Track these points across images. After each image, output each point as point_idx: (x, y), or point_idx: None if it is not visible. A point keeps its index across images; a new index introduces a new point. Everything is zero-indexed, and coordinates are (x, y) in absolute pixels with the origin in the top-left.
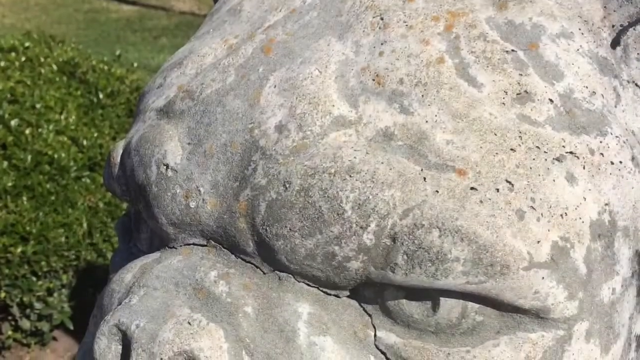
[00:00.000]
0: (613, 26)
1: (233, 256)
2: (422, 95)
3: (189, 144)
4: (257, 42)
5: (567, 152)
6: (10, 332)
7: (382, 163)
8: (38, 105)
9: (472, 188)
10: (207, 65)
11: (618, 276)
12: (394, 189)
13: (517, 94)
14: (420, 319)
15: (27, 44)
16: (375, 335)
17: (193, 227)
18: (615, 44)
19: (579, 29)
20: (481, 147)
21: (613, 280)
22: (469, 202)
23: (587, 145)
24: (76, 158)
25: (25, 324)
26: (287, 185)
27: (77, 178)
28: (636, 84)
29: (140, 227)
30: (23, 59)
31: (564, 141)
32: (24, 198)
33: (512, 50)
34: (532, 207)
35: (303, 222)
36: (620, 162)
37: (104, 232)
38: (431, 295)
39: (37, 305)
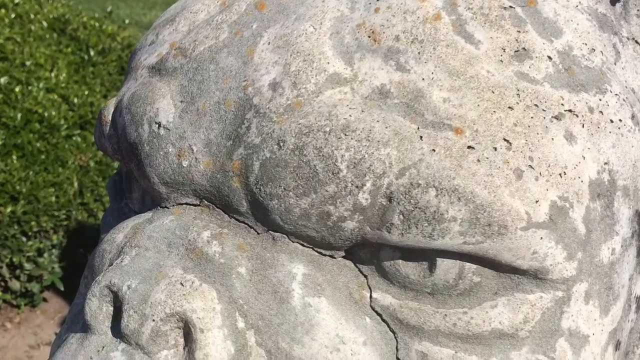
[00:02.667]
0: None
1: (226, 216)
2: (419, 53)
3: (181, 102)
4: None
5: (565, 110)
6: None
7: (377, 121)
8: (28, 63)
9: (469, 147)
10: (199, 22)
11: (618, 236)
12: (390, 147)
13: (515, 51)
14: (416, 279)
15: (17, 0)
16: (370, 296)
17: (186, 187)
18: (614, 0)
19: None
20: (478, 105)
21: (612, 240)
22: (466, 161)
23: (586, 103)
24: (67, 116)
25: (15, 284)
26: (281, 144)
27: (67, 137)
28: (636, 41)
29: (132, 186)
30: (13, 15)
31: (563, 99)
32: (14, 157)
33: (510, 7)
34: (530, 166)
35: (297, 182)
36: (620, 120)
37: (95, 192)
38: (428, 256)
39: (27, 265)
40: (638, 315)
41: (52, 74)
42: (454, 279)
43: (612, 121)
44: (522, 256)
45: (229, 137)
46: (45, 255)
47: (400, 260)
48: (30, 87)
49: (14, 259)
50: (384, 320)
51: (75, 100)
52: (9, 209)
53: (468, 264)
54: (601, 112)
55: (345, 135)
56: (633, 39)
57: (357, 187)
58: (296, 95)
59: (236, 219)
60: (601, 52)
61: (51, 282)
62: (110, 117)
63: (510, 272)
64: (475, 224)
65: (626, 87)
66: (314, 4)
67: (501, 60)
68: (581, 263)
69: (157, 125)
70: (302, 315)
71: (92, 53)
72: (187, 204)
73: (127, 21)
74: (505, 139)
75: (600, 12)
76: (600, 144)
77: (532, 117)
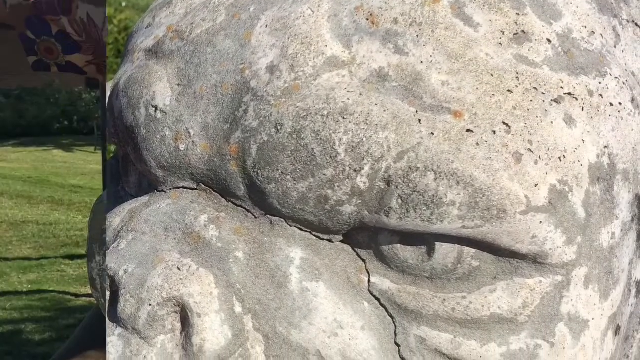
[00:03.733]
0: None
1: (224, 200)
2: (417, 36)
3: (178, 85)
4: None
5: (565, 94)
6: None
7: (376, 105)
8: None
9: (468, 130)
10: (197, 4)
11: (617, 220)
12: (389, 131)
13: (514, 34)
14: (415, 264)
15: None
16: (369, 280)
17: (183, 170)
18: None
19: None
20: (477, 89)
21: (612, 224)
22: (465, 145)
23: (586, 86)
24: None
25: None
26: (279, 127)
27: None
28: (636, 24)
29: (129, 170)
30: None
31: (562, 82)
32: None
33: None
34: (529, 149)
35: (295, 165)
36: (620, 103)
37: None
38: (426, 240)
39: None
40: (638, 299)
41: None
42: (452, 264)
43: (612, 104)
44: (522, 240)
45: (227, 121)
46: None
47: (399, 245)
48: None
49: None
50: (382, 305)
51: None
52: None
53: (467, 248)
54: (601, 95)
55: (344, 118)
56: (633, 21)
57: (355, 170)
58: (294, 79)
59: (233, 203)
60: (601, 34)
61: None
62: (106, 101)
63: (510, 257)
64: (474, 207)
65: (626, 70)
66: None
67: (500, 43)
68: (581, 247)
69: (153, 109)
70: (300, 299)
71: None
72: (184, 187)
73: (123, 4)
74: (504, 123)
75: None
76: (600, 127)
77: (531, 101)
